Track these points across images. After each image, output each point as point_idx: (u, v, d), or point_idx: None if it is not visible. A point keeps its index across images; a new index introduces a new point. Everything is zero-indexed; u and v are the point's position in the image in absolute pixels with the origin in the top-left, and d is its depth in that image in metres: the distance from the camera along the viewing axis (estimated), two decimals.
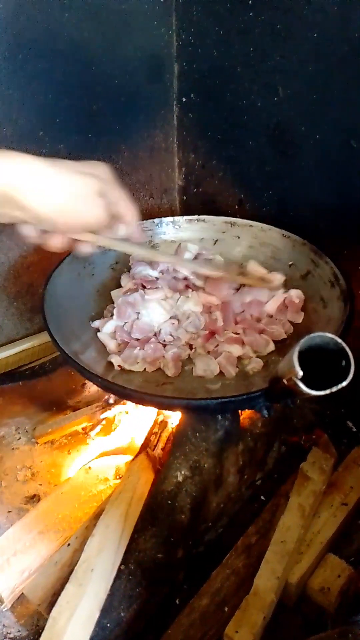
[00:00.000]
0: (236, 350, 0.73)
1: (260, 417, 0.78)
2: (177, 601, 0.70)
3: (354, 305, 0.73)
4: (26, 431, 0.91)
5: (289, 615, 0.70)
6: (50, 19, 0.82)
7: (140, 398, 0.68)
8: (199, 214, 0.96)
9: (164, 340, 0.76)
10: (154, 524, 0.68)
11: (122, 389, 0.67)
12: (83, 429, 0.89)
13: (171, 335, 0.76)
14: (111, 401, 0.90)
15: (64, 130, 0.91)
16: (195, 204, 1.07)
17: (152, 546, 0.66)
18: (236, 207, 1.00)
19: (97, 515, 0.70)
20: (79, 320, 0.82)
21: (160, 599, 0.67)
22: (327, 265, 0.81)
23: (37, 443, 0.89)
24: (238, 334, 0.76)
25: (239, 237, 0.94)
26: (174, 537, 0.68)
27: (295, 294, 0.81)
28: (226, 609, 0.68)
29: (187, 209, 1.08)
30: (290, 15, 0.79)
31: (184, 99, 1.00)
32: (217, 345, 0.75)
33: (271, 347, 0.75)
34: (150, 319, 0.77)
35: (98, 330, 0.80)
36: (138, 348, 0.75)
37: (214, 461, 0.73)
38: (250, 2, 0.82)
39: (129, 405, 0.88)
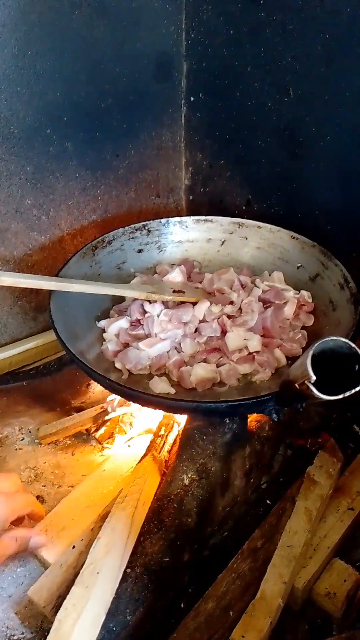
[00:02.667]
0: (245, 369, 0.72)
1: (268, 421, 0.77)
2: (183, 605, 0.69)
3: None
4: (29, 432, 0.90)
5: (295, 619, 0.70)
6: (59, 16, 0.81)
7: (147, 400, 0.67)
8: (206, 214, 0.96)
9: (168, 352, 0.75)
10: (160, 527, 0.67)
11: (129, 390, 0.67)
12: (87, 430, 0.88)
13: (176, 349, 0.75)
14: (116, 403, 0.89)
15: (72, 128, 0.90)
16: (202, 203, 1.07)
17: (159, 549, 0.66)
18: (244, 207, 0.99)
19: (102, 518, 0.70)
20: (86, 319, 0.81)
21: (167, 603, 0.66)
22: (336, 268, 0.81)
23: (41, 444, 0.88)
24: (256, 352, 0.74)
25: (246, 238, 0.93)
26: (180, 540, 0.67)
27: (307, 295, 0.80)
28: (232, 613, 0.67)
29: (194, 209, 1.08)
30: (302, 15, 0.79)
31: (192, 98, 1.00)
32: (221, 357, 0.74)
33: (283, 362, 0.74)
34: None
35: (104, 330, 0.80)
36: (140, 350, 0.74)
37: (220, 464, 0.72)
38: (261, 2, 0.82)
39: (135, 406, 0.87)
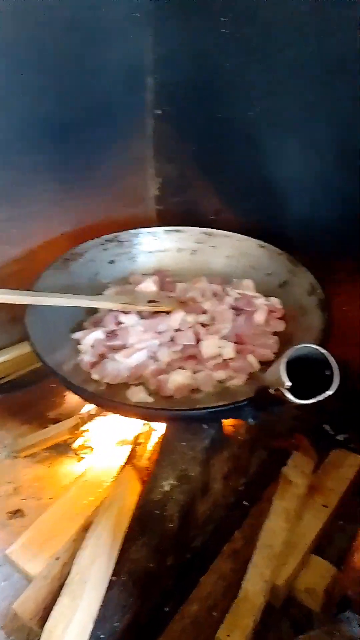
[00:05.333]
0: (220, 375, 0.74)
1: (245, 425, 0.80)
2: (168, 609, 0.70)
3: (332, 313, 0.76)
4: (5, 446, 0.90)
5: (277, 616, 0.72)
6: (25, 30, 0.82)
7: (126, 410, 0.69)
8: (176, 224, 0.98)
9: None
10: (143, 534, 0.68)
11: (108, 401, 0.68)
12: (64, 441, 0.89)
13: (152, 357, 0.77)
14: (92, 413, 0.90)
15: (43, 141, 0.91)
16: (172, 214, 1.09)
17: (143, 556, 0.67)
18: (214, 217, 1.02)
19: (85, 528, 0.70)
20: (61, 331, 0.82)
21: (153, 607, 0.67)
22: (304, 275, 0.84)
23: (18, 457, 0.88)
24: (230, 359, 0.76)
25: (216, 247, 0.96)
26: (163, 545, 0.69)
27: (276, 301, 0.83)
28: (216, 613, 0.69)
29: (164, 219, 1.09)
30: (268, 33, 0.82)
31: (160, 111, 1.02)
32: (196, 365, 0.76)
33: (256, 367, 0.76)
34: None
35: (78, 342, 0.81)
36: (116, 360, 0.75)
37: (200, 469, 0.74)
38: (227, 19, 0.84)
39: (111, 416, 0.88)
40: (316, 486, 0.83)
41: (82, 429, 0.89)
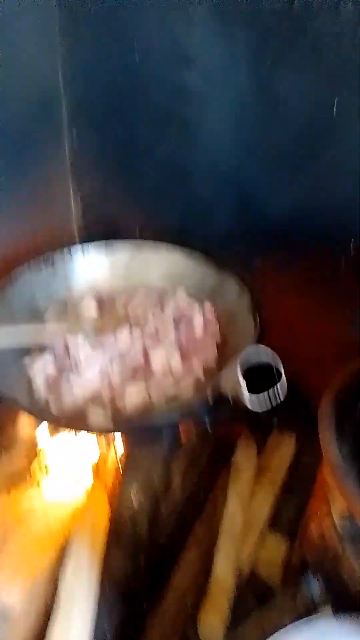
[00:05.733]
0: (170, 385, 0.79)
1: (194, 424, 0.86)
2: (146, 606, 0.76)
3: (262, 314, 0.84)
4: None
5: (244, 593, 0.80)
6: None
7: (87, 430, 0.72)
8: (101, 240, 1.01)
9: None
10: (118, 543, 0.73)
11: (67, 422, 0.71)
12: (21, 466, 0.90)
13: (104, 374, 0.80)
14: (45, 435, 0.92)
15: None
16: (96, 231, 1.11)
17: (121, 564, 0.72)
18: (138, 231, 1.06)
19: (59, 549, 0.73)
20: (5, 355, 0.82)
21: (136, 610, 0.72)
22: (232, 280, 0.91)
23: None
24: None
25: (147, 260, 1.00)
26: (137, 550, 0.74)
27: (210, 308, 0.90)
28: (192, 600, 0.76)
29: (89, 237, 1.11)
30: (176, 59, 0.87)
31: (75, 132, 1.03)
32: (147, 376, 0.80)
33: (201, 374, 0.81)
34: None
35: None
36: (70, 381, 0.78)
37: (161, 472, 0.80)
38: (135, 45, 0.88)
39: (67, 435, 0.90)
40: (262, 468, 0.92)
41: (37, 451, 0.90)
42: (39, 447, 0.89)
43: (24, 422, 0.95)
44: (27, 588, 0.70)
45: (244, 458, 0.92)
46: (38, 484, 0.88)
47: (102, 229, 1.11)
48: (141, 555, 0.74)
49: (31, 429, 0.92)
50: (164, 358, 0.81)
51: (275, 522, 0.87)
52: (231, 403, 0.62)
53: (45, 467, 0.89)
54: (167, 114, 0.93)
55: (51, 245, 1.00)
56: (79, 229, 1.13)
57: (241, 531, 0.82)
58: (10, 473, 0.90)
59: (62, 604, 0.64)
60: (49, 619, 0.65)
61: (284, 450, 0.95)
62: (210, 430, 0.84)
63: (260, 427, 1.03)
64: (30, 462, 0.89)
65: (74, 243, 1.03)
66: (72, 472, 0.86)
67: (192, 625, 0.72)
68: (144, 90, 0.93)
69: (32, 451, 0.89)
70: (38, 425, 0.89)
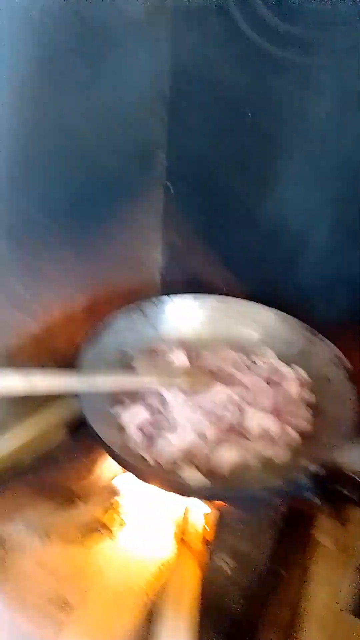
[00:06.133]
0: (266, 449, 0.77)
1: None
2: None
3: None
4: (34, 527, 0.86)
5: None
6: (47, 113, 0.83)
7: (185, 491, 0.70)
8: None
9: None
10: (209, 613, 0.68)
11: (167, 482, 0.69)
12: (96, 519, 0.87)
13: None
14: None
15: (59, 215, 0.91)
16: (179, 283, 1.11)
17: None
18: (222, 287, 1.06)
19: (144, 609, 0.69)
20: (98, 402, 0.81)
21: None
22: (322, 343, 0.89)
23: (49, 539, 0.85)
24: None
25: (231, 316, 1.00)
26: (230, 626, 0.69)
27: (302, 371, 0.88)
28: None
29: (172, 289, 1.11)
30: (284, 126, 0.89)
31: (170, 186, 1.06)
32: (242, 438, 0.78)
33: (297, 439, 0.79)
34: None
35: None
36: (167, 439, 0.77)
37: (251, 545, 0.76)
38: (248, 111, 0.91)
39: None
40: (346, 546, 0.87)
41: (112, 502, 0.87)
42: (117, 498, 0.86)
43: (104, 470, 0.92)
44: None
45: (326, 534, 0.87)
46: (114, 537, 0.84)
47: (184, 283, 1.12)
48: (234, 629, 0.69)
49: (110, 478, 0.90)
50: (260, 417, 0.79)
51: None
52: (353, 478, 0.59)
53: (122, 520, 0.86)
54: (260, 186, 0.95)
55: (139, 295, 1.01)
56: (161, 281, 1.14)
57: (327, 616, 0.77)
58: (86, 522, 0.87)
59: None
60: None
61: None
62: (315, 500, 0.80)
63: (336, 500, 0.99)
64: (104, 514, 0.86)
65: (159, 294, 1.04)
66: (152, 528, 0.82)
67: None
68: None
69: (109, 502, 0.87)
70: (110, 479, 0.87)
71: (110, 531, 0.85)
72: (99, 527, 0.86)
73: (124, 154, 0.99)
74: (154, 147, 1.03)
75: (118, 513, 0.87)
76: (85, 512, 0.86)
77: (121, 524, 0.86)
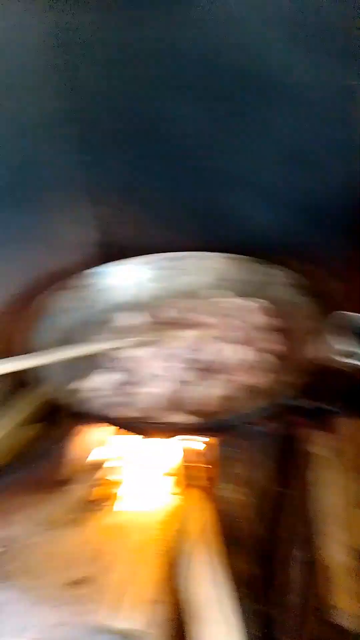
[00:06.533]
0: (251, 379, 0.78)
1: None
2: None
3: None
4: (38, 522, 0.83)
5: None
6: None
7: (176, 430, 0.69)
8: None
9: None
10: (237, 542, 0.69)
11: (154, 425, 0.69)
12: (90, 495, 0.85)
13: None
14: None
15: None
16: (120, 249, 1.10)
17: (245, 565, 0.68)
18: (165, 246, 1.05)
19: (166, 556, 0.69)
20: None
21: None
22: (279, 272, 0.91)
23: (55, 528, 0.82)
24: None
25: (183, 270, 1.00)
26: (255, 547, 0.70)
27: (264, 301, 0.89)
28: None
29: (114, 255, 1.10)
30: None
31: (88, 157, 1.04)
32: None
33: (276, 363, 0.81)
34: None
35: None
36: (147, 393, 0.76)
37: (253, 469, 0.77)
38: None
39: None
40: (339, 455, 0.90)
41: (103, 478, 0.86)
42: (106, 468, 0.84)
43: (83, 448, 0.90)
44: (148, 607, 0.65)
45: (321, 445, 0.90)
46: (119, 500, 0.83)
47: (125, 249, 1.10)
48: (259, 551, 0.70)
49: (91, 454, 0.88)
50: (234, 350, 0.80)
51: None
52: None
53: (115, 491, 0.84)
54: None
55: (80, 267, 0.99)
56: (101, 251, 1.12)
57: (341, 514, 0.80)
58: (80, 502, 0.84)
59: (202, 613, 0.60)
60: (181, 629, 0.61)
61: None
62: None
63: (321, 414, 1.02)
64: (101, 488, 0.85)
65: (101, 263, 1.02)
66: (153, 480, 0.81)
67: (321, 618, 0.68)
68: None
69: (97, 476, 0.85)
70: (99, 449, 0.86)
71: (108, 503, 0.84)
72: (95, 503, 0.84)
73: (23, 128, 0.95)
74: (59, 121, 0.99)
75: (109, 484, 0.86)
76: (76, 492, 0.84)
77: (115, 495, 0.85)
